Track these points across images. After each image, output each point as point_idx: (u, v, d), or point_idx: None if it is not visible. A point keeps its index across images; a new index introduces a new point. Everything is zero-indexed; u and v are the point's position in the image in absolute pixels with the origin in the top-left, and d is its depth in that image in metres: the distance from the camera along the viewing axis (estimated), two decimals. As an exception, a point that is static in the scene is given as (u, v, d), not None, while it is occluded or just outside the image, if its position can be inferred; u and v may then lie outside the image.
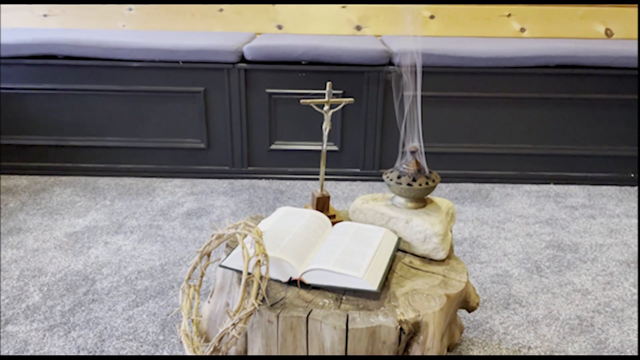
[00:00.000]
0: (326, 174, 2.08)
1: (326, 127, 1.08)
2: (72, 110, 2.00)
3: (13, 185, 1.96)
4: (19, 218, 1.69)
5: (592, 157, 2.05)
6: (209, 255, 0.94)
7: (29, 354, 1.08)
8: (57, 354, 1.08)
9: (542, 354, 1.11)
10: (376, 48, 1.95)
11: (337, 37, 2.24)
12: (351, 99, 1.10)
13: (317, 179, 2.07)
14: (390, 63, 1.97)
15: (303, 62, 1.97)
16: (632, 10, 2.38)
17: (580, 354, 1.12)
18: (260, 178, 2.09)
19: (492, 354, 1.11)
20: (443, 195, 1.96)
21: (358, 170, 2.10)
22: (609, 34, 2.42)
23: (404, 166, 1.01)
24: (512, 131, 2.03)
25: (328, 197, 1.10)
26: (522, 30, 2.43)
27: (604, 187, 2.05)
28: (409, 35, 2.24)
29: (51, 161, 2.06)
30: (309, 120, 2.01)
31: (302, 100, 1.06)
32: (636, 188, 2.04)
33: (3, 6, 2.40)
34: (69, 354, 1.08)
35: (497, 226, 1.71)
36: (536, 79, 1.95)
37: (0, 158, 2.04)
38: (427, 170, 1.00)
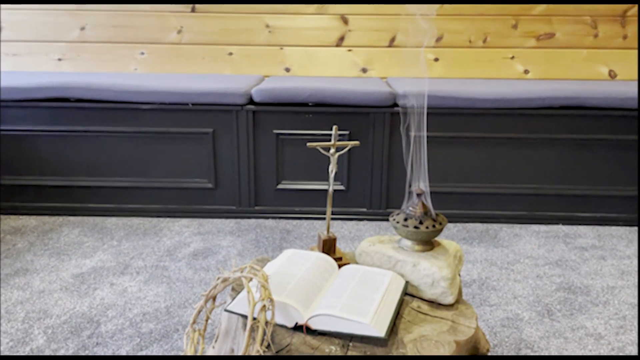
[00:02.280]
0: (333, 213, 2.08)
1: (332, 169, 1.09)
2: (82, 151, 2.03)
3: (22, 225, 1.97)
4: (26, 259, 1.69)
5: (600, 197, 2.04)
6: (214, 298, 0.94)
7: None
8: (59, 400, 1.06)
9: (556, 402, 1.08)
10: (381, 90, 1.98)
11: (343, 79, 2.29)
12: (357, 142, 1.11)
13: (324, 219, 2.07)
14: (396, 104, 2.00)
15: (310, 104, 2.00)
16: (635, 52, 2.41)
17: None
18: (267, 217, 2.09)
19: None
20: (451, 235, 1.94)
21: (365, 209, 2.09)
22: (612, 75, 2.45)
23: (411, 208, 1.01)
24: (519, 171, 2.03)
25: (334, 240, 1.09)
26: (526, 71, 2.47)
27: (614, 228, 2.03)
28: (414, 77, 2.28)
29: (60, 201, 2.08)
30: (316, 160, 2.03)
31: (308, 144, 1.08)
32: (646, 228, 2.02)
33: (19, 49, 2.48)
34: (71, 400, 1.06)
35: (506, 267, 1.69)
36: (541, 120, 1.97)
37: (11, 198, 2.07)
38: (433, 212, 1.00)
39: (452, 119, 1.98)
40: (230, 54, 2.50)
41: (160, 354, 1.21)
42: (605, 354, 1.24)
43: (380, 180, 2.06)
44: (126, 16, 2.44)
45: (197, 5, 2.42)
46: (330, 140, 1.09)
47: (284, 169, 2.07)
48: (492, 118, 1.98)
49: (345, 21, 2.44)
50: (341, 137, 2.00)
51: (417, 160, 1.03)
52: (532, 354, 1.24)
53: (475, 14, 2.40)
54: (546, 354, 1.24)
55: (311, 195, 2.08)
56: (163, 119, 2.00)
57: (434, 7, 2.36)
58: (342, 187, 2.07)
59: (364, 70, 2.50)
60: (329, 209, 1.11)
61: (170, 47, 2.49)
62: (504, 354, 1.23)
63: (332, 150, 1.09)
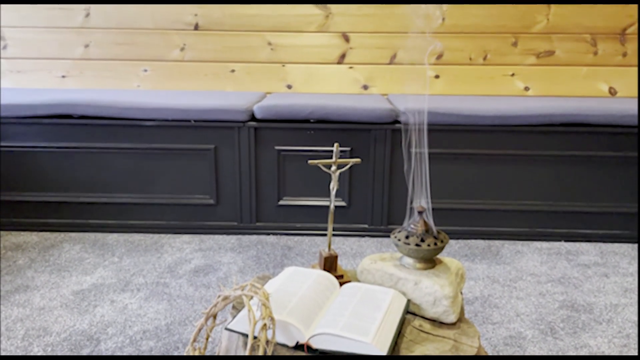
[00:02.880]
0: (334, 229, 2.08)
1: (334, 186, 1.09)
2: (85, 167, 2.04)
3: (23, 241, 1.97)
4: (27, 275, 1.69)
5: (602, 214, 2.04)
6: (214, 316, 0.93)
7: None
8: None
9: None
10: (383, 107, 1.99)
11: (345, 96, 2.30)
12: (358, 160, 1.12)
13: (326, 235, 2.07)
14: (397, 121, 2.01)
15: (312, 120, 2.01)
16: (634, 69, 2.43)
17: None
18: (268, 234, 2.09)
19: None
20: (453, 252, 1.94)
21: (366, 226, 2.09)
22: (612, 92, 2.46)
23: (412, 226, 1.01)
24: (520, 188, 2.03)
25: (336, 257, 1.09)
26: (527, 88, 2.48)
27: (616, 245, 2.02)
28: (415, 94, 2.29)
29: (62, 218, 2.08)
30: (317, 176, 2.03)
31: (310, 161, 1.08)
32: (649, 245, 2.01)
33: (23, 67, 2.51)
34: (69, 419, 1.05)
35: (508, 285, 1.68)
36: (542, 136, 1.97)
37: (13, 214, 2.07)
38: (435, 230, 1.00)
39: (454, 136, 1.99)
40: (233, 71, 2.52)
41: (160, 372, 1.20)
42: (610, 374, 1.23)
43: (381, 196, 2.06)
44: (130, 34, 2.47)
45: (200, 23, 2.45)
46: (331, 157, 1.09)
47: (286, 185, 2.07)
48: (493, 135, 1.99)
49: (347, 39, 2.46)
50: (342, 154, 2.01)
51: (418, 177, 1.03)
52: (535, 373, 1.23)
53: (475, 31, 2.42)
54: (550, 373, 1.23)
55: (313, 212, 2.08)
56: (165, 135, 2.01)
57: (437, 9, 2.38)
58: (343, 204, 2.07)
59: (365, 87, 2.52)
60: (330, 227, 1.11)
61: (173, 64, 2.51)
62: (507, 373, 1.22)
63: (333, 168, 1.09)
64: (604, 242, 2.04)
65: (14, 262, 1.78)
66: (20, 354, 1.26)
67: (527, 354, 1.30)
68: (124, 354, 1.27)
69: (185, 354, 0.95)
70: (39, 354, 1.27)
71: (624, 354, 1.31)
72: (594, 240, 2.05)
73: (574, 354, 1.31)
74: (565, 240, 2.05)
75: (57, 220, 2.08)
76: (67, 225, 2.08)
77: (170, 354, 1.27)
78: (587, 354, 1.30)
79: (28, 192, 2.06)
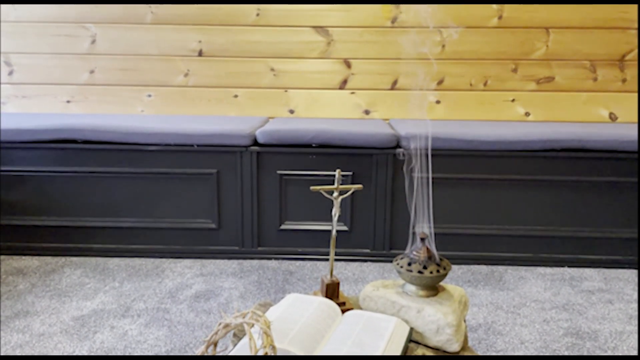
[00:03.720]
0: (336, 254, 2.07)
1: (335, 213, 1.09)
2: (87, 191, 2.04)
3: (24, 266, 1.97)
4: (27, 300, 1.68)
5: (605, 239, 2.03)
6: (215, 344, 0.92)
7: None
8: None
9: None
10: (384, 132, 2.00)
11: (347, 121, 2.32)
12: (359, 186, 1.12)
13: (328, 259, 2.06)
14: (398, 146, 2.02)
15: (314, 145, 2.02)
16: (634, 95, 2.45)
17: None
18: (270, 258, 2.08)
19: None
20: (456, 277, 1.92)
21: (368, 250, 2.08)
22: (613, 117, 2.48)
23: (414, 253, 1.00)
24: (523, 213, 2.03)
25: (337, 284, 1.09)
26: (527, 114, 2.50)
27: (620, 271, 2.01)
28: (417, 119, 2.31)
29: (64, 242, 2.08)
30: (319, 201, 2.04)
31: (311, 187, 1.08)
32: (654, 271, 2.00)
33: (29, 92, 2.54)
34: None
35: (512, 311, 1.66)
36: (544, 162, 1.98)
37: (15, 238, 2.07)
38: (437, 257, 1.00)
39: (455, 161, 2.00)
40: (236, 96, 2.54)
41: (159, 401, 1.19)
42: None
43: (383, 221, 2.05)
44: (134, 60, 2.51)
45: (204, 50, 2.49)
46: (333, 183, 1.09)
47: (287, 210, 2.07)
48: (495, 160, 1.99)
49: (348, 65, 2.50)
50: (344, 178, 2.02)
51: (420, 202, 1.03)
52: (541, 403, 1.21)
53: (475, 58, 2.46)
54: (555, 403, 1.21)
55: (314, 236, 2.07)
56: (168, 159, 2.02)
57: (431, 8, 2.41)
58: (345, 228, 2.06)
59: (367, 112, 2.54)
60: (332, 253, 1.10)
61: (177, 89, 2.54)
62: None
63: (335, 194, 1.09)
64: (608, 267, 2.03)
65: (14, 287, 1.78)
66: (18, 382, 1.25)
67: (532, 383, 1.28)
68: (123, 381, 1.26)
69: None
70: (37, 381, 1.25)
71: (631, 383, 1.29)
72: (598, 265, 2.03)
73: (580, 383, 1.29)
74: (569, 266, 2.04)
75: (59, 244, 2.08)
76: (69, 250, 2.08)
77: (170, 382, 1.26)
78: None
79: (30, 216, 2.06)
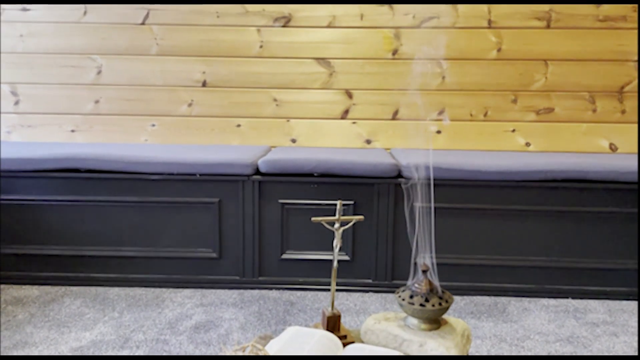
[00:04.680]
0: (338, 284, 2.05)
1: (337, 244, 1.09)
2: (89, 220, 2.05)
3: (24, 295, 1.95)
4: (26, 331, 1.66)
5: (608, 270, 2.01)
6: (215, 379, 0.91)
7: None
8: None
9: None
10: (385, 161, 2.02)
11: (348, 150, 2.33)
12: (361, 217, 1.12)
13: (329, 290, 2.04)
14: (400, 176, 2.03)
15: (315, 174, 2.03)
16: (634, 126, 2.47)
17: None
18: (271, 288, 2.07)
19: None
20: (458, 309, 1.90)
21: (370, 281, 2.07)
22: (613, 148, 2.49)
23: (416, 285, 1.00)
24: (525, 243, 2.02)
25: (339, 316, 1.08)
26: (528, 144, 2.52)
27: (624, 302, 1.98)
28: (418, 149, 2.33)
29: (64, 271, 2.07)
30: (321, 230, 2.03)
31: (313, 219, 1.09)
32: (659, 303, 1.97)
33: (34, 121, 2.57)
34: None
35: (516, 344, 1.64)
36: (545, 192, 1.98)
37: (15, 267, 2.06)
38: (440, 289, 0.99)
39: (456, 191, 2.00)
40: (239, 125, 2.57)
41: None
42: None
43: (385, 251, 2.05)
44: (139, 90, 2.55)
45: (207, 81, 2.53)
46: (335, 212, 1.10)
47: (289, 239, 2.07)
48: (496, 190, 2.00)
49: (350, 95, 2.53)
50: (346, 208, 2.02)
51: (422, 232, 1.03)
52: None
53: (475, 89, 2.49)
54: None
55: (316, 266, 2.06)
56: (171, 189, 2.03)
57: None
58: (346, 258, 2.06)
59: (368, 142, 2.56)
60: (333, 285, 1.10)
61: (181, 119, 2.57)
62: None
63: (336, 225, 1.10)
64: (612, 299, 2.01)
65: (13, 317, 1.76)
66: (14, 416, 1.23)
67: (537, 419, 1.25)
68: (121, 416, 1.23)
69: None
70: (33, 415, 1.23)
71: (639, 419, 1.26)
72: (602, 297, 2.01)
73: (587, 419, 1.26)
74: (573, 298, 2.02)
75: (59, 273, 2.07)
76: (69, 279, 2.07)
77: (168, 417, 1.23)
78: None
79: (30, 245, 2.06)
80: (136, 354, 1.53)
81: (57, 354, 1.52)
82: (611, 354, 1.58)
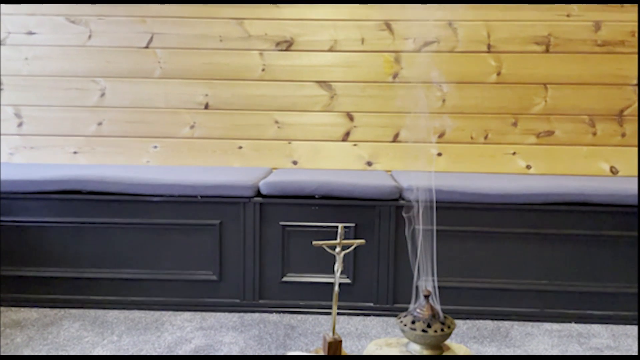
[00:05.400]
0: (338, 308, 2.03)
1: (338, 268, 1.09)
2: (90, 242, 2.04)
3: (23, 318, 1.94)
4: (24, 354, 1.64)
5: (611, 294, 1.99)
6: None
7: None
8: None
9: None
10: (386, 184, 2.02)
11: (349, 172, 2.34)
12: (362, 241, 1.12)
13: (330, 313, 2.02)
14: (401, 198, 2.03)
15: (316, 197, 2.03)
16: (634, 149, 2.48)
17: None
18: (271, 312, 2.05)
19: None
20: (461, 333, 1.88)
21: (371, 304, 2.05)
22: (614, 171, 2.50)
23: (418, 310, 0.99)
24: (528, 267, 2.01)
25: (340, 342, 1.07)
26: (528, 167, 2.53)
27: (628, 327, 1.96)
28: (419, 171, 2.33)
29: (64, 293, 2.05)
30: (322, 252, 2.02)
31: (314, 242, 1.09)
32: (663, 327, 1.95)
33: (37, 143, 2.59)
34: None
35: (519, 370, 1.62)
36: (547, 215, 1.98)
37: (14, 289, 2.05)
38: (442, 315, 0.99)
39: (458, 213, 2.00)
40: (240, 147, 2.58)
41: None
42: None
43: (386, 273, 2.03)
44: (142, 113, 2.57)
45: (210, 103, 2.55)
46: (336, 235, 1.10)
47: (290, 261, 2.06)
48: (498, 212, 1.99)
49: (351, 118, 2.55)
50: (347, 231, 2.01)
51: (424, 255, 1.03)
52: None
53: (475, 112, 2.51)
54: None
55: (317, 289, 2.05)
56: (172, 211, 2.03)
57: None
58: (348, 281, 2.04)
59: (369, 164, 2.57)
60: (334, 310, 1.09)
61: (183, 141, 2.58)
62: None
63: (337, 249, 1.09)
64: (616, 324, 1.98)
65: (11, 340, 1.75)
66: None
67: None
68: None
69: None
70: None
71: None
72: (605, 321, 1.99)
73: None
74: (576, 322, 2.00)
75: (58, 295, 2.05)
76: (68, 302, 2.05)
77: None
78: None
79: (29, 267, 2.05)
80: (134, 378, 1.51)
81: (54, 378, 1.50)
82: (616, 381, 1.56)
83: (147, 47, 2.55)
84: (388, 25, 2.51)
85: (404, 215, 1.98)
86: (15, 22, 2.55)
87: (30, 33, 2.55)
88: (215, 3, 2.51)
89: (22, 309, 2.02)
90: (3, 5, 2.53)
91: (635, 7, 2.43)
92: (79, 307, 2.05)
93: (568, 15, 2.46)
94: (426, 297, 0.99)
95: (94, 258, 2.05)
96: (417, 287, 1.03)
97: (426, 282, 1.02)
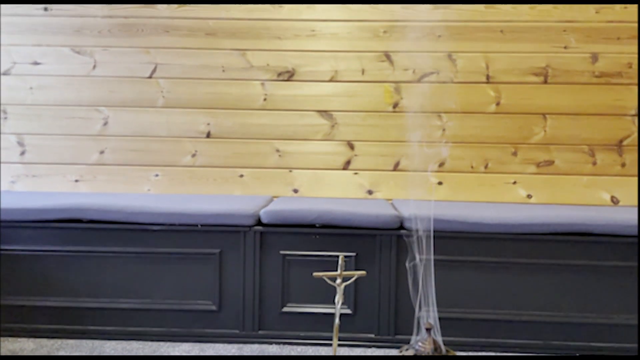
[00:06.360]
0: (340, 339, 2.00)
1: (339, 300, 1.08)
2: (88, 272, 2.03)
3: (19, 348, 1.91)
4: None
5: (617, 326, 1.96)
6: None
7: None
8: None
9: None
10: (387, 213, 2.01)
11: (350, 201, 2.34)
12: (363, 272, 1.12)
13: (331, 345, 1.99)
14: (402, 227, 2.02)
15: (317, 225, 2.03)
16: (634, 179, 2.48)
17: None
18: (271, 343, 2.02)
19: None
20: (463, 365, 1.85)
21: (373, 335, 2.02)
22: (615, 201, 2.50)
23: (420, 344, 0.98)
24: (530, 298, 1.98)
25: (341, 376, 1.05)
26: (529, 196, 2.53)
27: (635, 360, 1.93)
28: (419, 200, 2.33)
29: (61, 323, 2.03)
30: (323, 282, 1.99)
31: (314, 274, 1.08)
32: (670, 360, 1.92)
33: (39, 171, 2.60)
34: None
35: (524, 404, 1.58)
36: (549, 245, 1.97)
37: (11, 319, 2.03)
38: (444, 349, 0.97)
39: (459, 243, 1.99)
40: (241, 175, 2.59)
41: None
42: None
43: (388, 304, 2.01)
44: (144, 141, 2.59)
45: (212, 132, 2.57)
46: (336, 265, 1.09)
47: (290, 291, 2.04)
48: (500, 242, 1.98)
49: (352, 147, 2.56)
50: (347, 260, 2.00)
51: (425, 286, 1.02)
52: None
53: (475, 141, 2.52)
54: None
55: (317, 319, 2.02)
56: (172, 239, 2.02)
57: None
58: (348, 311, 2.02)
59: (370, 192, 2.57)
60: (335, 343, 1.08)
61: (184, 169, 2.59)
62: None
63: (338, 281, 1.09)
64: (622, 356, 1.95)
65: (6, 372, 1.72)
66: None
67: None
68: None
69: None
70: None
71: None
72: (611, 354, 1.96)
73: None
74: (580, 355, 1.96)
75: (55, 325, 2.03)
76: (65, 332, 2.02)
77: None
78: None
79: (27, 296, 2.03)
80: (131, 412, 1.48)
81: (49, 412, 1.47)
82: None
83: (150, 77, 2.58)
84: (388, 56, 2.55)
85: (406, 243, 1.97)
86: (21, 53, 2.59)
87: (36, 63, 2.59)
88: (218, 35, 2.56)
89: (19, 339, 1.99)
90: (10, 36, 2.58)
91: (631, 40, 2.47)
92: (76, 338, 2.02)
93: (565, 47, 2.50)
94: (428, 330, 0.98)
95: (92, 287, 2.04)
96: (418, 320, 1.02)
97: (428, 312, 1.01)
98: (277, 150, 2.58)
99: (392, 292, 2.01)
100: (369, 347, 2.01)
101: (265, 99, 2.57)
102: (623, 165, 2.49)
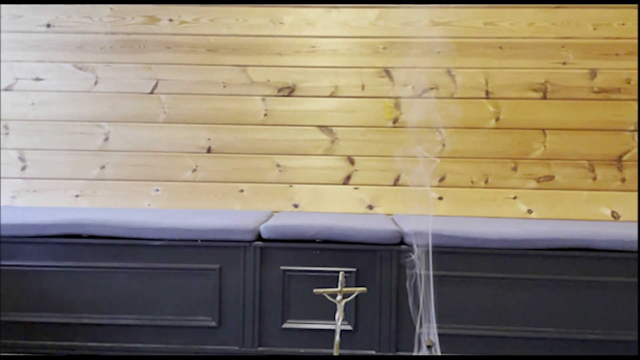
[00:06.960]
0: (340, 356, 1.99)
1: (339, 317, 1.07)
2: (87, 287, 2.02)
3: (16, 365, 1.89)
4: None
5: (620, 342, 1.95)
6: None
7: None
8: None
9: None
10: (388, 228, 2.01)
11: (350, 216, 2.34)
12: (364, 289, 1.11)
13: (331, 362, 1.97)
14: (402, 242, 2.02)
15: (317, 240, 2.02)
16: (634, 194, 2.48)
17: None
18: (271, 360, 2.00)
19: None
20: (465, 383, 1.83)
21: (374, 352, 2.00)
22: (615, 216, 2.49)
23: (420, 361, 0.97)
24: (532, 313, 1.97)
25: (341, 394, 1.04)
26: (530, 211, 2.52)
27: (638, 377, 1.91)
28: (420, 215, 2.33)
29: (60, 339, 2.01)
30: (323, 298, 1.98)
31: (315, 290, 1.08)
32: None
33: (39, 186, 2.60)
34: None
35: (527, 423, 1.56)
36: (550, 260, 1.96)
37: (10, 336, 2.01)
38: (444, 366, 0.96)
39: (460, 258, 1.98)
40: (242, 190, 2.60)
41: None
42: None
43: (389, 320, 2.00)
44: (145, 156, 2.60)
45: (212, 147, 2.58)
46: (337, 281, 1.08)
47: (290, 307, 2.02)
48: (500, 258, 1.98)
49: (352, 162, 2.57)
50: (348, 276, 1.99)
51: (425, 303, 1.01)
52: None
53: (475, 157, 2.53)
54: None
55: (318, 335, 2.00)
56: (171, 255, 2.02)
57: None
58: (349, 327, 2.00)
59: (370, 207, 2.57)
60: None
61: (185, 184, 2.60)
62: None
63: (338, 297, 1.08)
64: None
65: (3, 389, 1.70)
66: None
67: None
68: None
69: None
70: None
71: None
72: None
73: None
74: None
75: (54, 342, 2.01)
76: (64, 348, 2.01)
77: None
78: None
79: (26, 312, 2.02)
80: None
81: None
82: None
83: (151, 92, 2.60)
84: (387, 72, 2.56)
85: (405, 260, 1.97)
86: (24, 69, 2.61)
87: (38, 79, 2.61)
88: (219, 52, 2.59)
89: (18, 356, 1.98)
90: (12, 52, 2.60)
91: (629, 56, 2.49)
92: (74, 354, 2.00)
93: (564, 63, 2.52)
94: (429, 347, 0.97)
95: (91, 303, 2.02)
96: (419, 336, 1.01)
97: (428, 328, 1.00)
98: (278, 165, 2.59)
99: (392, 308, 1.99)
100: (370, 364, 1.99)
101: (265, 114, 2.59)
102: (623, 180, 2.49)
